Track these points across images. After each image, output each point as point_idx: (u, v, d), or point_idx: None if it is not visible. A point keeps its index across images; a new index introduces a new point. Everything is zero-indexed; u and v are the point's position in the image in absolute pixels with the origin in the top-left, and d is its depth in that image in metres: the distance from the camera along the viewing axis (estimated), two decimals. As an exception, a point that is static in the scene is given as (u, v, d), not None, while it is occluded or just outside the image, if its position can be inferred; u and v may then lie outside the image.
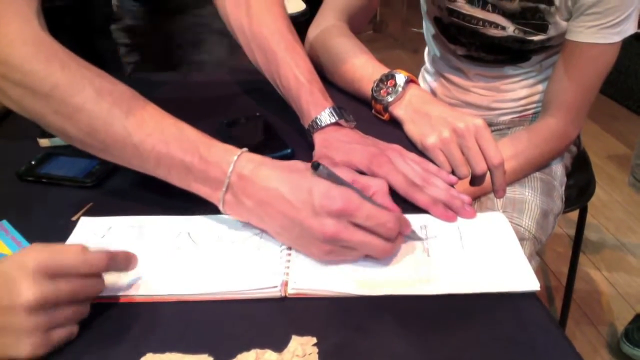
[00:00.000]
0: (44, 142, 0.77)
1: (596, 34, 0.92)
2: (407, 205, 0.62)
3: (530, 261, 0.56)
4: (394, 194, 0.62)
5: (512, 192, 1.00)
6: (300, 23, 1.72)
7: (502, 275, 0.54)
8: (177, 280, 0.53)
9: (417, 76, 1.32)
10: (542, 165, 1.06)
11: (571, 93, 0.99)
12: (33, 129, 0.79)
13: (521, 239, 0.94)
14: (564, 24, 0.97)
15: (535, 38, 1.00)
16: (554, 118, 1.01)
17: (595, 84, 0.98)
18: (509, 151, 1.00)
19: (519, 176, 1.03)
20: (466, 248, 0.57)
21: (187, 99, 0.92)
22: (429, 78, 1.26)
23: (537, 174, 1.05)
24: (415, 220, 0.60)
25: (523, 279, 0.53)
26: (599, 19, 0.91)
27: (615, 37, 0.92)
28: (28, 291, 0.43)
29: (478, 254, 0.56)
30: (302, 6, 1.75)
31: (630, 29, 0.93)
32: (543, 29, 0.99)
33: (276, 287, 0.51)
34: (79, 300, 0.47)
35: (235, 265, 0.55)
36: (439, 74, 1.21)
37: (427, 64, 1.27)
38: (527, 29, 1.00)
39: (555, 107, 1.01)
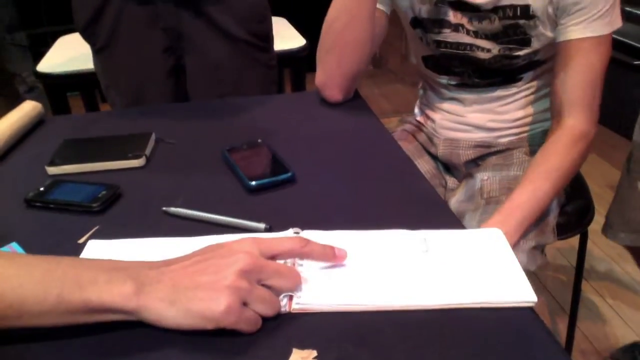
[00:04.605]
0: (52, 170, 0.79)
1: (586, 28, 0.95)
2: (405, 220, 0.64)
3: None
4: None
5: None
6: (301, 58, 1.76)
7: (500, 289, 0.54)
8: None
9: (414, 107, 1.35)
10: (574, 173, 1.04)
11: (578, 90, 0.99)
12: (42, 157, 0.82)
13: None
14: (547, 34, 1.00)
15: (521, 52, 1.04)
16: (570, 119, 1.00)
17: (597, 77, 0.98)
18: (541, 169, 0.99)
19: (559, 190, 1.03)
20: (464, 262, 0.58)
21: (189, 127, 0.94)
22: (425, 109, 1.29)
23: None
24: (414, 235, 0.62)
25: (520, 292, 0.54)
26: (585, 13, 0.94)
27: (606, 28, 0.95)
28: (244, 257, 0.50)
29: (476, 268, 0.57)
30: (302, 42, 1.80)
31: (617, 21, 0.96)
32: (526, 42, 1.03)
33: (282, 302, 0.52)
34: (276, 284, 0.52)
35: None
36: (434, 106, 1.24)
37: (423, 97, 1.30)
38: (511, 46, 1.04)
39: (566, 109, 1.01)
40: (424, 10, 1.08)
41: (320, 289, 0.54)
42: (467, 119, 1.18)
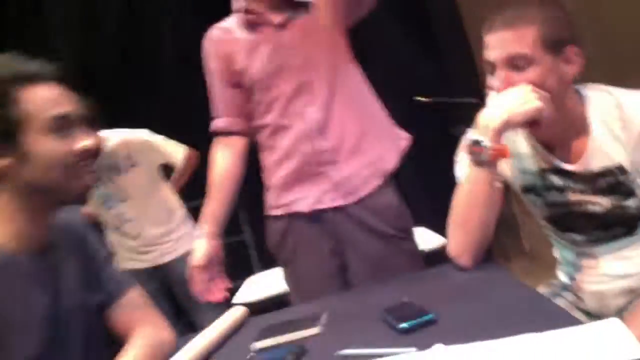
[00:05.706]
0: (257, 345, 1.06)
1: None
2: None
3: None
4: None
5: None
6: (437, 254, 1.91)
7: None
8: None
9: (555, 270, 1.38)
10: None
11: None
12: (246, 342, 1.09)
13: None
14: None
15: (631, 203, 1.12)
16: None
17: None
18: None
19: None
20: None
21: (356, 305, 1.18)
22: (564, 267, 1.33)
23: None
24: (539, 338, 0.70)
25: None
26: None
27: None
28: None
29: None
30: (438, 241, 1.98)
31: None
32: (632, 193, 1.11)
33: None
34: None
35: None
36: (570, 263, 1.30)
37: (559, 257, 1.36)
38: (619, 197, 1.12)
39: None
40: (529, 178, 1.22)
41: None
42: (604, 269, 1.22)
